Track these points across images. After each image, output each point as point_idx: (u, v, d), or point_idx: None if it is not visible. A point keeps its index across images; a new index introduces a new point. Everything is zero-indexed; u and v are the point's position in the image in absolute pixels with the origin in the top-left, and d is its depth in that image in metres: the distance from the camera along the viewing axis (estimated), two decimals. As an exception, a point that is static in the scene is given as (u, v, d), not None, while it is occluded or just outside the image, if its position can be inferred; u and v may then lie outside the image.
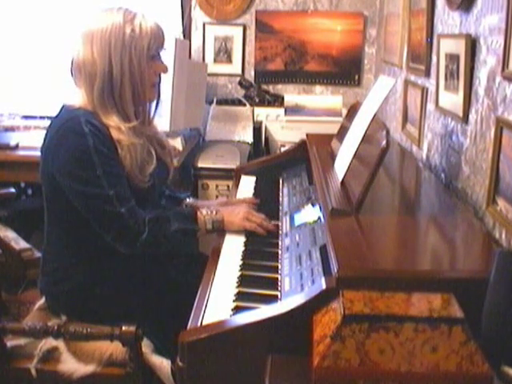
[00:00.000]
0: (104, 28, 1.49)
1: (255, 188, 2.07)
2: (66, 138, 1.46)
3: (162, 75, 1.63)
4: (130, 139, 1.51)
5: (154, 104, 1.68)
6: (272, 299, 1.25)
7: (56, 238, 1.60)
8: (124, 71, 1.50)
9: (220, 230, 1.62)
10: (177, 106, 2.57)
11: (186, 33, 3.23)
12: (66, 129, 1.47)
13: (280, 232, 1.62)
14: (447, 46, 1.77)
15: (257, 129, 3.05)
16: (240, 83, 3.24)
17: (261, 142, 3.04)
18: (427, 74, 2.05)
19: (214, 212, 1.62)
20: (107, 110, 1.52)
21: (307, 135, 2.25)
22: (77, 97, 1.55)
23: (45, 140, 1.54)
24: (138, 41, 1.51)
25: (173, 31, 3.10)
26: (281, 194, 1.94)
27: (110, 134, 1.50)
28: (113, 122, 1.51)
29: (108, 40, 1.48)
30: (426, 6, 2.02)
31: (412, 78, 2.28)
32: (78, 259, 1.57)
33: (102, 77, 1.49)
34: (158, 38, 1.56)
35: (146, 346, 1.48)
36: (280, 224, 1.66)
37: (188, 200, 1.88)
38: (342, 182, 1.57)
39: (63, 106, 1.57)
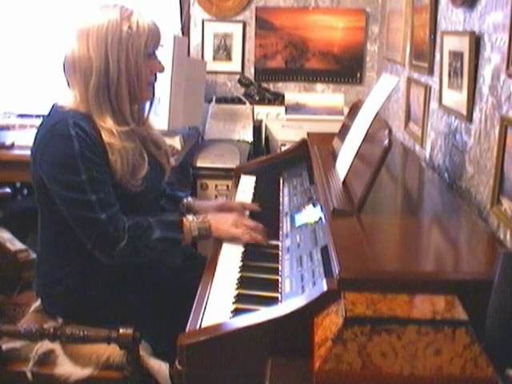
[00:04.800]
0: (100, 25, 1.47)
1: (255, 188, 2.06)
2: (53, 140, 1.45)
3: (161, 73, 1.61)
4: (121, 143, 1.49)
5: (147, 103, 1.66)
6: (272, 301, 1.24)
7: (49, 238, 1.58)
8: (121, 69, 1.48)
9: (207, 237, 1.57)
10: (175, 105, 2.55)
11: (185, 30, 3.22)
12: (54, 131, 1.46)
13: (280, 233, 1.60)
14: (451, 44, 1.76)
15: (257, 128, 3.03)
16: (240, 81, 3.23)
17: (261, 141, 3.03)
18: (430, 71, 2.03)
19: (201, 218, 1.58)
20: (102, 110, 1.49)
21: (308, 134, 2.24)
22: (69, 97, 1.53)
23: (35, 140, 1.53)
24: (135, 38, 1.49)
25: (171, 28, 3.09)
26: (281, 194, 1.93)
27: (100, 137, 1.47)
28: (106, 124, 1.49)
29: (104, 37, 1.46)
30: (430, 3, 2.01)
31: (415, 75, 2.27)
32: (72, 260, 1.55)
33: (98, 74, 1.47)
34: (154, 35, 1.54)
35: (144, 349, 1.47)
36: (281, 224, 1.65)
37: (186, 200, 1.85)
38: (344, 182, 1.56)
39: (53, 106, 1.55)
